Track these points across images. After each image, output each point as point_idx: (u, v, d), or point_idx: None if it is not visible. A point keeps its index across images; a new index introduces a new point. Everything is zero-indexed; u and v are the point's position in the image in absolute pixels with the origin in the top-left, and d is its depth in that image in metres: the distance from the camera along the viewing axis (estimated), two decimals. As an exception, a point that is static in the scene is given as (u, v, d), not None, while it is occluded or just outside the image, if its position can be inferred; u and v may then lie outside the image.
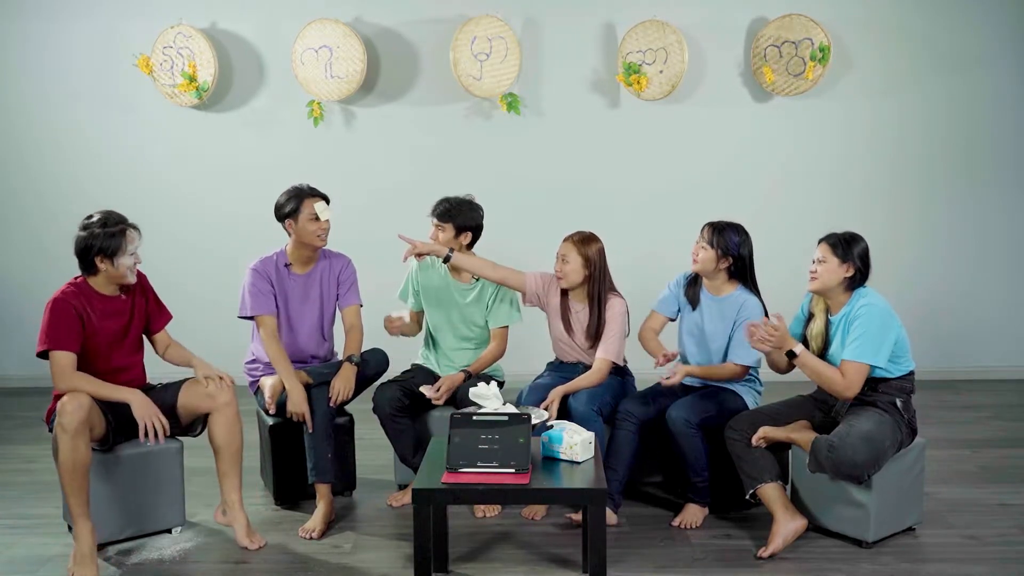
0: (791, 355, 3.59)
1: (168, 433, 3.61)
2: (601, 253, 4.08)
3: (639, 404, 3.97)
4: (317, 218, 4.05)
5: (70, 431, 3.38)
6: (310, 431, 3.93)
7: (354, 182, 6.09)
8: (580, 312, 4.14)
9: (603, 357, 4.04)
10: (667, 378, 3.92)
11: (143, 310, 3.78)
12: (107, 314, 3.63)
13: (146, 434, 3.54)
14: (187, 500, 3.92)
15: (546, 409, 3.82)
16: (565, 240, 4.10)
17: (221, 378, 3.72)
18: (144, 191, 6.26)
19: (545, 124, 6.18)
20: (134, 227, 3.65)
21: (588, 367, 4.10)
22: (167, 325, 3.87)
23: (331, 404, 3.97)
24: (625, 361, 4.22)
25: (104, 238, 3.55)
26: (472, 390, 3.52)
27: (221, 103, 6.20)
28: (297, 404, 3.93)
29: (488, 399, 3.47)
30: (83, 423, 3.40)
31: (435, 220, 4.17)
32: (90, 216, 3.63)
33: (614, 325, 4.06)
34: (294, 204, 4.05)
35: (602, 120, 6.19)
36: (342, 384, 4.00)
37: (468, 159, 6.19)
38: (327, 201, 4.11)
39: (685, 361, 4.14)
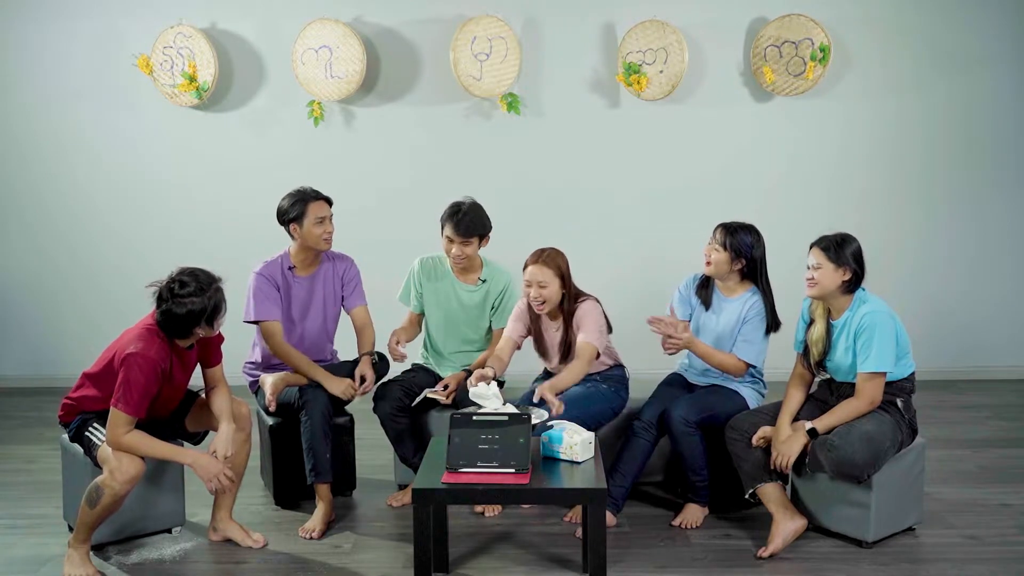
0: (813, 434, 3.57)
1: (233, 479, 3.59)
2: (567, 263, 3.95)
3: (656, 412, 3.92)
4: (322, 221, 4.03)
5: (120, 496, 3.39)
6: (363, 391, 3.99)
7: (354, 182, 6.09)
8: (556, 333, 4.02)
9: (585, 340, 3.85)
10: (671, 343, 3.81)
11: (201, 347, 3.66)
12: (179, 365, 3.56)
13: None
14: (187, 500, 3.92)
15: (538, 404, 3.70)
16: (533, 264, 3.89)
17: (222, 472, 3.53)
18: (144, 191, 6.27)
19: (545, 124, 6.18)
20: (220, 279, 3.46)
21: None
22: (220, 364, 3.73)
23: (358, 393, 4.01)
24: (618, 360, 4.16)
25: (211, 306, 3.37)
26: (472, 390, 3.51)
27: (221, 103, 6.20)
28: (341, 385, 3.96)
29: (488, 399, 3.46)
30: (133, 488, 3.42)
31: (459, 239, 4.05)
32: (172, 283, 3.38)
33: (589, 319, 3.90)
34: (299, 208, 4.03)
35: (602, 120, 6.19)
36: (369, 372, 4.03)
37: (468, 159, 6.18)
38: (330, 203, 4.10)
39: (686, 372, 4.13)
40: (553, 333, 4.03)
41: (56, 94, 6.21)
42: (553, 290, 3.88)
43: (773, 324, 3.96)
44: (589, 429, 3.80)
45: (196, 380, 3.77)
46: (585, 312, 3.92)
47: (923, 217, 6.26)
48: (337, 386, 3.97)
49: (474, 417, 3.22)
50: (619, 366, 4.15)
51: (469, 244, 4.08)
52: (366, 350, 4.13)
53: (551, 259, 3.90)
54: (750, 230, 3.93)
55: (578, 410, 3.77)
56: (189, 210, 6.24)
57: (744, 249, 3.90)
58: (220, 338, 3.70)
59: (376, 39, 6.13)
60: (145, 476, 3.68)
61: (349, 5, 6.08)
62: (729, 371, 3.93)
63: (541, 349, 4.09)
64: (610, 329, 4.02)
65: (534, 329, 4.05)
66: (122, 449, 3.38)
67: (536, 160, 6.21)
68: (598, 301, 4.00)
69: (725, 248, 3.89)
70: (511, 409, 3.42)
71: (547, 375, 4.21)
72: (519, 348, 4.11)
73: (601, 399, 3.97)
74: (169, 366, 3.48)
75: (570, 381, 3.82)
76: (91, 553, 3.52)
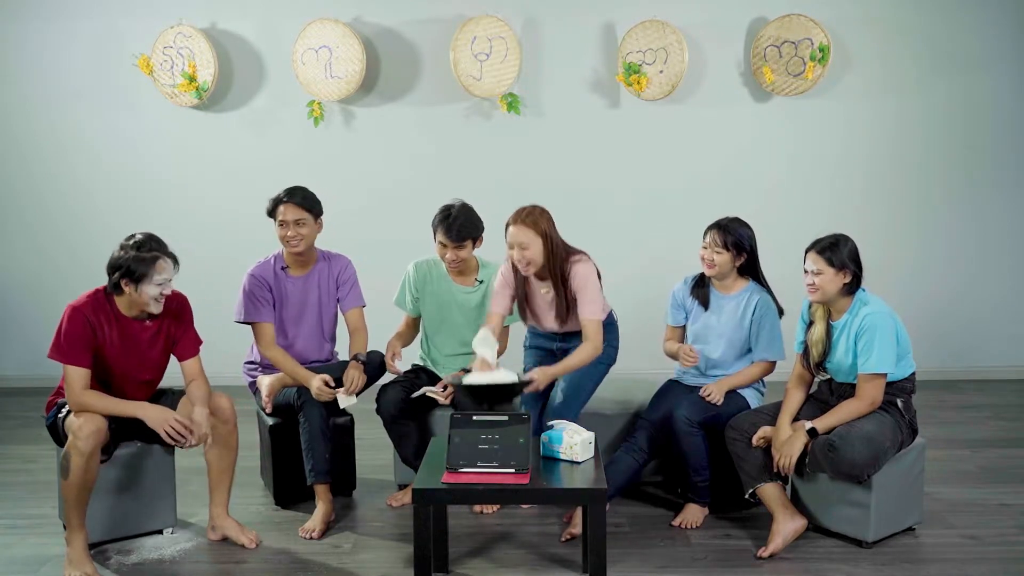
0: (812, 434, 3.56)
1: (192, 431, 3.50)
2: (551, 222, 3.79)
3: (648, 432, 3.92)
4: (282, 224, 4.00)
5: (85, 454, 3.37)
6: (352, 390, 3.92)
7: (354, 182, 6.10)
8: (546, 293, 3.91)
9: (590, 318, 3.78)
10: (707, 395, 3.87)
11: (168, 337, 3.65)
12: (125, 336, 3.53)
13: (174, 440, 3.47)
14: (186, 500, 3.92)
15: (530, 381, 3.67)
16: (515, 224, 3.74)
17: (189, 430, 3.49)
18: (144, 191, 6.27)
19: (545, 124, 6.18)
20: (170, 256, 3.49)
21: (559, 334, 4.01)
22: (196, 358, 3.69)
23: (347, 392, 3.94)
24: (612, 314, 4.10)
25: (134, 262, 3.40)
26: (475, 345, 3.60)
27: (221, 103, 6.20)
28: (316, 384, 3.89)
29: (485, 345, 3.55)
30: (98, 446, 3.40)
31: (452, 244, 4.00)
32: (132, 235, 3.50)
33: (588, 288, 3.79)
34: (270, 207, 4.05)
35: (602, 120, 6.19)
36: (356, 373, 3.97)
37: (468, 159, 6.18)
38: (307, 208, 4.01)
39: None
40: (543, 294, 3.92)
41: (56, 94, 6.22)
42: (536, 251, 3.74)
43: (780, 312, 3.97)
44: (589, 397, 3.86)
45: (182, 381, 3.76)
46: (582, 278, 3.79)
47: (923, 217, 6.26)
48: (313, 385, 3.91)
49: (474, 417, 3.22)
50: (608, 314, 4.07)
51: (463, 248, 4.04)
52: (354, 352, 4.10)
53: (531, 219, 3.74)
54: (741, 223, 3.94)
55: (577, 387, 3.84)
56: (189, 210, 6.24)
57: (745, 243, 3.90)
58: (194, 335, 3.71)
59: (376, 39, 6.13)
60: (137, 476, 3.70)
61: (349, 5, 6.08)
62: (762, 376, 3.97)
63: (531, 311, 3.99)
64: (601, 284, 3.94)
65: (521, 292, 3.94)
66: (82, 408, 3.41)
67: (536, 160, 6.21)
68: (588, 256, 3.88)
69: (727, 248, 3.88)
70: (505, 376, 3.48)
71: (535, 338, 4.15)
72: (510, 313, 4.02)
73: (594, 362, 3.90)
74: (107, 325, 3.47)
75: (581, 364, 3.79)
76: (90, 553, 3.50)
